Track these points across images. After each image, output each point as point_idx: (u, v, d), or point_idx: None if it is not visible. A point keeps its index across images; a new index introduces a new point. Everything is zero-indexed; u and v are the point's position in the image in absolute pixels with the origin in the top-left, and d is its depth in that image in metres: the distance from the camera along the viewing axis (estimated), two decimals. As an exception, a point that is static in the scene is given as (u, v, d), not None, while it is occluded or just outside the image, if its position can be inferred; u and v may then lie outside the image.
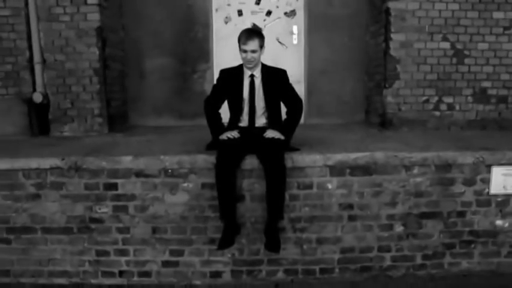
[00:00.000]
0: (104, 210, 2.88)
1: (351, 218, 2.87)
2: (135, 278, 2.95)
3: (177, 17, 4.70)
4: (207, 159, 2.82)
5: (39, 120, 4.10)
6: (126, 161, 2.86)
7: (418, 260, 2.94)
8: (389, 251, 2.91)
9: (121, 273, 2.94)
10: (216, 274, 2.94)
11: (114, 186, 2.87)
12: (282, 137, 2.76)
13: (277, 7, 4.68)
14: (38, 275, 2.96)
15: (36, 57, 3.99)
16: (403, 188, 2.85)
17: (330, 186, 2.84)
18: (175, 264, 2.93)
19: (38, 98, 3.99)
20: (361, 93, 4.77)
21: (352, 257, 2.91)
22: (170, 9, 4.69)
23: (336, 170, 2.83)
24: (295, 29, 4.67)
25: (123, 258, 2.93)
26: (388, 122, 4.05)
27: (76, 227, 2.90)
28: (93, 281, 2.95)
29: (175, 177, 2.86)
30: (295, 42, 4.71)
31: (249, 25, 4.62)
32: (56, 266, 2.94)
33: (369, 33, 4.55)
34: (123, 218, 2.89)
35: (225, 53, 4.66)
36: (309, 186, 2.84)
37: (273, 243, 2.63)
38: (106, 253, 2.92)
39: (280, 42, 4.73)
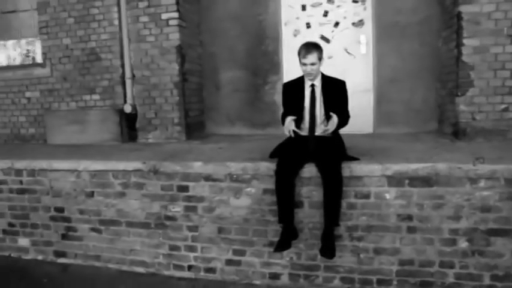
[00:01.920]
0: (177, 209, 3.23)
1: (410, 230, 2.81)
2: (202, 273, 3.23)
3: (250, 32, 5.00)
4: (269, 167, 2.99)
5: (129, 128, 4.69)
6: (197, 166, 3.18)
7: (486, 280, 2.75)
8: (452, 267, 2.78)
9: (189, 268, 3.25)
10: (275, 276, 3.09)
11: (185, 188, 3.19)
12: (336, 123, 2.85)
13: (345, 18, 4.72)
14: (122, 262, 3.42)
15: (128, 73, 4.60)
16: (468, 202, 2.72)
17: (387, 196, 2.83)
18: (238, 263, 3.14)
19: (128, 108, 4.59)
20: (434, 102, 4.57)
21: (411, 270, 2.85)
22: (243, 25, 5.01)
23: (395, 181, 2.81)
24: (363, 38, 4.66)
25: (192, 254, 3.23)
26: (461, 132, 3.84)
27: (153, 223, 3.29)
28: (166, 273, 3.30)
29: (239, 182, 3.08)
30: (363, 51, 4.70)
31: (317, 37, 4.74)
32: (136, 256, 3.37)
33: (441, 39, 4.36)
34: (192, 217, 3.20)
35: (294, 65, 4.81)
36: (367, 196, 2.86)
37: (328, 249, 2.71)
38: (177, 248, 3.26)
39: (348, 52, 4.76)
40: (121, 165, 3.35)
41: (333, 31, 4.77)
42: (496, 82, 3.75)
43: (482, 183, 2.70)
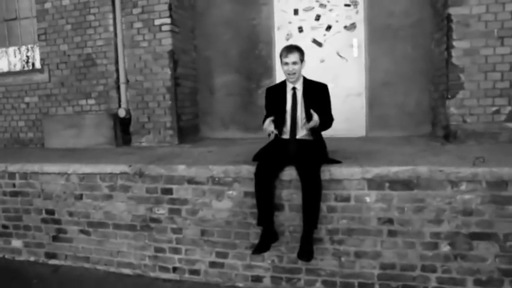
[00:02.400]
0: (161, 212, 3.25)
1: (391, 234, 2.77)
2: (186, 275, 3.23)
3: (243, 36, 5.04)
4: (250, 170, 2.98)
5: (123, 132, 4.76)
6: (180, 169, 3.20)
7: (469, 285, 2.69)
8: (434, 271, 2.73)
9: (174, 270, 3.26)
10: (257, 278, 3.08)
11: (169, 191, 3.22)
12: (317, 121, 2.83)
13: (337, 21, 4.71)
14: (110, 264, 3.45)
15: (122, 78, 4.68)
16: (449, 205, 2.67)
17: (368, 199, 2.80)
18: (221, 265, 3.15)
19: (122, 113, 4.66)
20: (427, 105, 4.52)
21: (393, 274, 2.81)
22: (237, 30, 5.05)
23: (375, 184, 2.78)
24: (355, 42, 4.65)
25: (176, 256, 3.25)
26: (452, 135, 3.78)
27: (139, 225, 3.32)
28: (152, 274, 3.32)
29: (221, 185, 3.09)
30: (355, 55, 4.68)
31: (309, 41, 4.74)
32: (123, 257, 3.40)
33: (433, 42, 4.32)
34: (176, 219, 3.22)
35: (286, 69, 4.83)
36: (347, 199, 2.84)
37: (305, 251, 2.68)
38: (162, 250, 3.28)
39: (340, 56, 4.74)
40: (108, 168, 3.40)
41: (325, 35, 4.77)
42: (486, 84, 3.69)
43: (463, 187, 2.66)
